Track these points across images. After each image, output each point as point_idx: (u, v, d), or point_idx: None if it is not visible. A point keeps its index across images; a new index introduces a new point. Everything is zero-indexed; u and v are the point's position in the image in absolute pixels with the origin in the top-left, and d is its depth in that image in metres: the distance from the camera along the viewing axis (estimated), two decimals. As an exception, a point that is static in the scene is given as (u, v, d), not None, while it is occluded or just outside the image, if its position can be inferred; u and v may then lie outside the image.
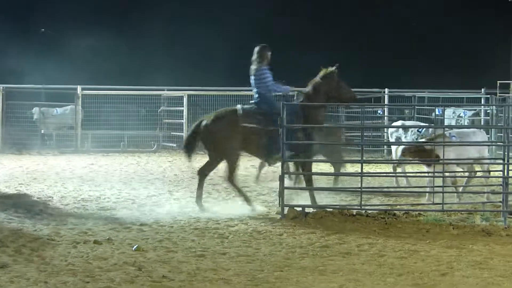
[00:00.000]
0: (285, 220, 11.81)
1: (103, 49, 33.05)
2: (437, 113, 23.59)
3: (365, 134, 23.26)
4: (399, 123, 19.25)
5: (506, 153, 12.27)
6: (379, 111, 27.36)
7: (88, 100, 27.06)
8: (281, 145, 12.41)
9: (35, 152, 24.47)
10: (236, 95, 27.97)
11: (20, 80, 28.28)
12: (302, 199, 13.29)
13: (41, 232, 10.81)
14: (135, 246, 9.86)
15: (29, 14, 35.73)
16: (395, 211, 12.22)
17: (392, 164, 16.83)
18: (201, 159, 23.95)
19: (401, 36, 38.24)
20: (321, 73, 13.81)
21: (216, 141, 13.44)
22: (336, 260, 9.39)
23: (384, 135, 25.68)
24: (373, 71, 35.66)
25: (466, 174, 15.05)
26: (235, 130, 13.20)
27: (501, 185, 12.29)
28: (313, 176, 13.53)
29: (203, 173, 13.81)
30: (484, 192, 14.20)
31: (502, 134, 16.72)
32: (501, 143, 14.10)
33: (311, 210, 12.16)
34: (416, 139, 16.35)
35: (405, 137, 17.02)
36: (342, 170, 16.12)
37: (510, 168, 12.22)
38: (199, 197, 13.36)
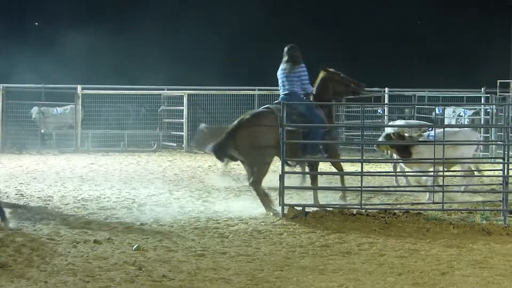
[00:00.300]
0: (285, 219, 11.81)
1: (103, 49, 33.07)
2: (437, 112, 23.61)
3: (365, 133, 23.30)
4: (402, 122, 19.26)
5: (506, 152, 12.26)
6: (379, 110, 27.37)
7: (88, 99, 27.07)
8: (281, 145, 12.41)
9: (35, 152, 24.49)
10: (236, 94, 28.01)
11: (20, 79, 28.30)
12: (302, 198, 13.31)
13: (41, 232, 10.81)
14: (135, 246, 9.86)
15: (28, 14, 35.75)
16: (395, 210, 12.22)
17: (391, 164, 16.82)
18: (200, 158, 23.99)
19: (401, 35, 38.25)
20: (321, 74, 13.90)
21: (256, 144, 12.88)
22: (336, 259, 9.39)
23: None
24: (373, 70, 35.65)
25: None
26: (275, 132, 12.70)
27: (501, 184, 12.29)
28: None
29: (257, 183, 12.98)
30: (483, 192, 14.24)
31: (502, 133, 16.72)
32: (501, 142, 14.07)
33: (311, 209, 12.16)
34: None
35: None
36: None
37: (510, 167, 12.23)
38: (268, 206, 12.71)
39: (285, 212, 11.97)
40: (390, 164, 17.06)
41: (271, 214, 12.30)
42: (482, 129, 24.70)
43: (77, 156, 23.98)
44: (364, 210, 12.11)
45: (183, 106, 27.20)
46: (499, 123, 21.90)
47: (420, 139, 14.61)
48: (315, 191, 13.19)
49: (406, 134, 14.93)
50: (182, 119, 27.14)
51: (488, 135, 24.05)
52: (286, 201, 12.22)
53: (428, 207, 12.52)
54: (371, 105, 26.78)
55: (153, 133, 27.81)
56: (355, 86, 13.98)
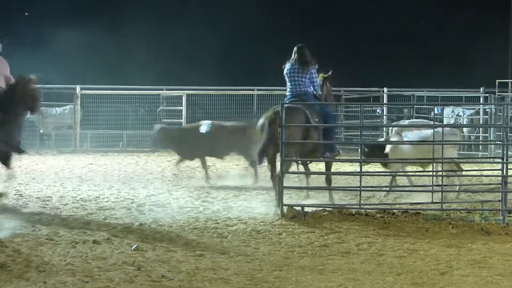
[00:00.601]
0: (284, 219, 11.81)
1: (102, 49, 33.07)
2: (436, 112, 23.62)
3: (364, 133, 23.29)
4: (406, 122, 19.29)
5: (504, 152, 12.26)
6: (378, 110, 27.38)
7: (87, 99, 27.07)
8: (281, 145, 12.42)
9: (34, 152, 24.48)
10: (235, 94, 28.02)
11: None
12: (301, 198, 13.32)
13: (40, 232, 10.80)
14: (134, 246, 9.85)
15: (23, 13, 35.72)
16: (394, 210, 12.22)
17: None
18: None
19: (400, 35, 38.26)
20: (319, 78, 13.99)
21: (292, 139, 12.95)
22: (335, 259, 9.39)
23: (383, 135, 25.69)
24: (372, 70, 35.69)
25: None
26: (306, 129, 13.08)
27: (499, 184, 12.29)
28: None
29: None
30: (482, 191, 14.25)
31: (500, 133, 16.72)
32: (500, 142, 14.08)
33: (310, 209, 12.16)
34: None
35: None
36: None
37: (509, 167, 12.23)
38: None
39: (284, 212, 11.97)
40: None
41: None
42: (481, 128, 24.74)
43: (76, 156, 23.98)
44: (363, 210, 12.12)
45: (182, 106, 27.21)
46: (498, 123, 21.91)
47: (396, 139, 14.87)
48: (330, 191, 13.39)
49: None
50: (181, 119, 27.14)
51: (487, 134, 24.07)
52: (285, 201, 12.22)
53: (427, 207, 12.52)
54: (370, 105, 26.79)
55: (152, 133, 27.78)
56: (330, 99, 14.26)
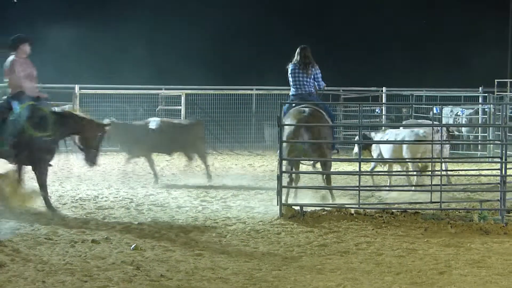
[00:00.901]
0: (283, 219, 11.81)
1: (101, 48, 33.06)
2: (435, 111, 23.62)
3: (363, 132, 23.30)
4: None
5: (503, 151, 12.26)
6: (376, 110, 27.38)
7: (86, 99, 27.05)
8: (279, 144, 12.43)
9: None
10: (234, 94, 28.01)
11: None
12: (300, 198, 13.32)
13: (38, 232, 10.80)
14: (133, 245, 9.85)
15: (21, 12, 35.70)
16: (393, 210, 12.22)
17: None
18: (199, 158, 23.91)
19: (399, 34, 38.26)
20: None
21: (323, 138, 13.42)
22: (334, 259, 9.39)
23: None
24: (371, 69, 35.69)
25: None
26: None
27: (498, 183, 12.29)
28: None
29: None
30: (480, 191, 14.26)
31: (499, 133, 16.73)
32: (499, 142, 14.09)
33: (309, 209, 12.16)
34: None
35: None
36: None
37: (508, 166, 12.24)
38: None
39: (283, 212, 11.96)
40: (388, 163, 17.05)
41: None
42: (479, 128, 24.74)
43: (75, 155, 23.91)
44: (362, 210, 12.12)
45: (181, 105, 27.21)
46: (496, 123, 21.92)
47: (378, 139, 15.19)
48: (331, 191, 13.44)
49: (372, 134, 15.40)
50: (180, 118, 27.13)
51: (485, 134, 24.07)
52: (284, 200, 12.21)
53: (426, 207, 12.52)
54: (368, 105, 26.80)
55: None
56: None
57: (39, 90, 13.77)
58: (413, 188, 14.64)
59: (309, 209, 12.14)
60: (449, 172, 15.99)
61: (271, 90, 28.02)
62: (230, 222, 11.82)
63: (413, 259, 9.40)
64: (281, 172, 12.31)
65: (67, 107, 27.11)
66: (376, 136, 15.94)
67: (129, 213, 12.71)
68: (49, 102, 13.52)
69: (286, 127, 12.93)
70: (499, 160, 12.59)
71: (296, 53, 13.92)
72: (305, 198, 13.24)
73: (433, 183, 13.25)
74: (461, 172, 15.53)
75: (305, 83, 13.79)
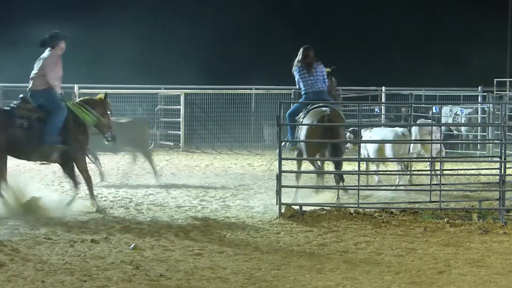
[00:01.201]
0: (282, 218, 11.81)
1: (100, 48, 33.05)
2: (434, 111, 23.62)
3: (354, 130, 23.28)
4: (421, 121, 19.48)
5: (503, 151, 12.27)
6: (376, 109, 27.38)
7: (85, 99, 27.01)
8: (279, 143, 12.44)
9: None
10: (233, 93, 28.01)
11: (17, 79, 28.24)
12: (299, 197, 13.32)
13: (38, 231, 10.80)
14: (132, 245, 9.85)
15: (17, 12, 35.67)
16: (392, 209, 12.23)
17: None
18: (198, 157, 23.96)
19: (398, 34, 38.26)
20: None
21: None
22: (333, 258, 9.39)
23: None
24: (370, 69, 35.70)
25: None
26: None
27: (498, 182, 12.29)
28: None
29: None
30: (480, 190, 14.26)
31: (499, 132, 16.74)
32: (498, 141, 14.10)
33: (308, 208, 12.16)
34: None
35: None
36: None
37: (507, 165, 12.24)
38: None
39: (282, 211, 11.97)
40: (388, 163, 17.07)
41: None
42: (479, 127, 24.74)
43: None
44: (361, 209, 12.12)
45: (180, 105, 27.22)
46: (496, 122, 21.91)
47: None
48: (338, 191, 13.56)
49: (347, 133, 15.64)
50: (179, 118, 27.16)
51: (485, 133, 24.07)
52: (284, 200, 12.22)
53: (425, 206, 12.53)
54: (368, 104, 26.79)
55: (150, 132, 27.77)
56: (336, 93, 14.88)
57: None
58: (400, 187, 14.78)
59: (308, 208, 12.14)
60: (448, 172, 16.00)
61: (270, 89, 28.03)
62: (230, 221, 11.83)
63: (412, 258, 9.40)
64: (281, 171, 12.30)
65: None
66: (364, 134, 16.09)
67: (129, 212, 12.71)
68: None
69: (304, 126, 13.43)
70: (498, 159, 12.59)
71: (299, 53, 14.15)
72: (305, 198, 13.26)
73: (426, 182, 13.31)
74: (460, 172, 15.52)
75: (312, 82, 14.05)
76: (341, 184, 13.62)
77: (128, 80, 28.86)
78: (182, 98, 27.21)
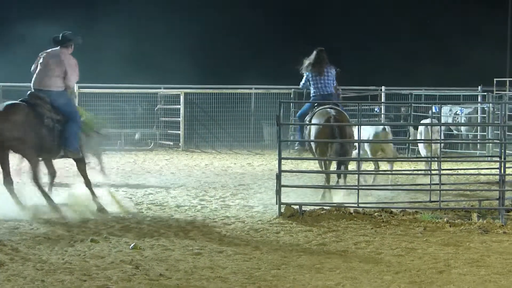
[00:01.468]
0: (282, 218, 11.81)
1: (99, 47, 33.04)
2: (434, 110, 23.63)
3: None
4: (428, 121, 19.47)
5: (502, 150, 12.26)
6: (375, 109, 27.38)
7: (85, 98, 27.05)
8: (278, 143, 12.44)
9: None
10: (233, 93, 28.02)
11: (17, 78, 28.22)
12: (298, 197, 13.32)
13: (38, 231, 10.80)
14: (132, 245, 9.85)
15: (16, 11, 35.66)
16: (392, 209, 12.23)
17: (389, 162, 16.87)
18: (197, 157, 23.96)
19: (398, 33, 38.26)
20: None
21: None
22: (333, 258, 9.39)
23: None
24: (370, 68, 35.70)
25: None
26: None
27: (497, 182, 12.30)
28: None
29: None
30: (479, 190, 14.26)
31: (498, 132, 16.74)
32: (498, 141, 14.10)
33: (308, 208, 12.16)
34: None
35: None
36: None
37: (507, 165, 12.24)
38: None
39: (282, 211, 11.97)
40: (388, 162, 17.06)
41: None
42: (479, 127, 24.75)
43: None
44: (360, 209, 12.12)
45: (179, 104, 27.23)
46: (495, 122, 21.92)
47: None
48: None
49: None
50: (179, 117, 27.17)
51: (485, 133, 24.07)
52: (283, 199, 12.22)
53: (425, 206, 12.53)
54: (367, 104, 26.79)
55: (150, 132, 27.81)
56: (339, 92, 15.03)
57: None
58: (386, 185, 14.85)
59: (308, 208, 12.14)
60: (448, 171, 16.01)
61: (270, 89, 28.03)
62: (229, 221, 11.82)
63: (412, 258, 9.40)
64: (280, 171, 12.30)
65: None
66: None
67: (128, 212, 12.69)
68: None
69: (314, 126, 13.82)
70: (498, 159, 12.58)
71: (312, 55, 14.47)
72: (304, 197, 13.26)
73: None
74: (460, 171, 15.52)
75: (322, 85, 14.37)
76: (342, 182, 13.81)
77: (128, 79, 28.87)
78: (181, 97, 27.22)
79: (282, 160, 12.39)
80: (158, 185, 16.30)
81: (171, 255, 9.42)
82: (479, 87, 26.15)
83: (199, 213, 12.66)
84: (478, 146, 24.66)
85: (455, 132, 25.86)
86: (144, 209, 13.02)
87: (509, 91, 27.18)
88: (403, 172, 17.44)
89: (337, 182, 13.86)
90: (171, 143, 27.34)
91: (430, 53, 38.26)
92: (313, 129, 13.88)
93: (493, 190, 13.29)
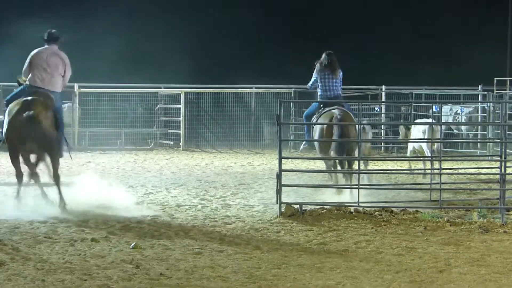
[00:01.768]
0: (283, 217, 11.81)
1: (100, 47, 33.05)
2: (434, 110, 23.62)
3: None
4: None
5: (503, 149, 12.26)
6: (376, 108, 27.38)
7: (85, 97, 27.06)
8: (279, 142, 12.44)
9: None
10: (233, 93, 28.01)
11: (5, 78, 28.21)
12: (299, 196, 13.32)
13: (38, 230, 10.80)
14: (132, 244, 9.85)
15: (16, 10, 35.63)
16: (392, 208, 12.22)
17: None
18: (198, 156, 23.96)
19: (398, 33, 38.24)
20: None
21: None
22: (333, 257, 9.39)
23: (381, 132, 25.70)
24: (370, 68, 35.68)
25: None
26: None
27: (498, 182, 12.29)
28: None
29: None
30: (480, 189, 14.27)
31: (499, 131, 16.74)
32: (498, 140, 14.10)
33: (308, 207, 12.16)
34: None
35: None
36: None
37: (507, 164, 12.24)
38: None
39: (282, 210, 11.97)
40: (388, 161, 17.07)
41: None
42: (479, 126, 24.74)
43: (74, 154, 23.89)
44: (361, 208, 12.12)
45: (180, 104, 27.23)
46: (496, 121, 21.91)
47: None
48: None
49: None
50: (179, 117, 27.17)
51: (485, 132, 24.07)
52: (284, 199, 12.22)
53: (426, 205, 12.53)
54: (368, 103, 26.78)
55: (150, 131, 27.81)
56: None
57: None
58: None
59: (308, 207, 12.14)
60: (448, 171, 16.00)
61: (270, 88, 28.03)
62: (230, 220, 11.83)
63: (412, 257, 9.40)
64: (281, 170, 12.30)
65: (66, 106, 27.20)
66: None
67: (129, 211, 12.68)
68: None
69: (318, 126, 14.25)
70: (498, 158, 12.58)
71: (323, 58, 14.89)
72: (304, 197, 13.26)
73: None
74: (460, 171, 15.52)
75: (333, 87, 14.92)
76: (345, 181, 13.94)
77: (128, 79, 28.88)
78: (182, 97, 27.23)
79: (283, 159, 12.40)
80: (159, 185, 16.30)
81: (172, 254, 9.42)
82: (480, 87, 26.13)
83: (200, 212, 12.66)
84: (479, 145, 24.65)
85: (455, 131, 25.86)
86: (145, 208, 13.02)
87: (510, 90, 27.16)
88: (404, 171, 17.42)
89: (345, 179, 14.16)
90: (172, 142, 27.34)
91: (430, 53, 38.24)
92: (317, 130, 14.35)
93: (494, 189, 13.29)
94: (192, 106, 27.97)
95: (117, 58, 32.90)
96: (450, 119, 25.22)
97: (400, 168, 18.26)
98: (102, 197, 13.98)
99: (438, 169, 13.57)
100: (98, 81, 28.32)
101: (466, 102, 26.38)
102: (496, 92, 26.20)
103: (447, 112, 25.53)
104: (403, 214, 11.95)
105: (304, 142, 16.01)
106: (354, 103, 24.10)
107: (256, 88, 28.27)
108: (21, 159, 12.96)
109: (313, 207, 12.18)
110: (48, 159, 12.74)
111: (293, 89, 27.12)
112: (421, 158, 18.11)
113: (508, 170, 12.33)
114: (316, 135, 14.49)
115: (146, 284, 8.07)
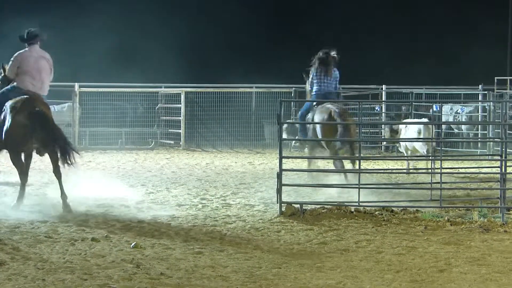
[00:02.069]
0: (283, 217, 11.81)
1: (100, 46, 33.03)
2: (434, 109, 23.62)
3: (362, 130, 23.28)
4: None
5: (503, 149, 12.26)
6: (376, 108, 27.38)
7: (86, 97, 27.06)
8: (279, 142, 12.44)
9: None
10: (233, 92, 28.01)
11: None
12: (299, 196, 13.32)
13: (38, 230, 10.80)
14: (133, 244, 9.85)
15: (15, 10, 35.61)
16: (392, 208, 12.22)
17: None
18: (198, 156, 23.97)
19: (398, 32, 38.24)
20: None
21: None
22: (334, 256, 9.39)
23: (381, 132, 25.68)
24: (370, 67, 35.67)
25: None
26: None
27: (498, 181, 12.29)
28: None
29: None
30: (480, 189, 14.26)
31: (499, 130, 16.73)
32: (499, 139, 14.09)
33: (309, 207, 12.16)
34: None
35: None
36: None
37: (507, 164, 12.24)
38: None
39: (283, 210, 11.97)
40: (388, 161, 17.07)
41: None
42: (479, 126, 24.74)
43: (74, 154, 23.90)
44: (361, 208, 12.12)
45: (180, 103, 27.23)
46: (496, 120, 21.90)
47: None
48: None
49: None
50: (180, 116, 27.17)
51: (485, 132, 24.07)
52: (284, 198, 12.22)
53: (426, 204, 12.52)
54: (368, 102, 26.78)
55: (151, 130, 27.81)
56: None
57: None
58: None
59: (309, 207, 12.14)
60: (449, 170, 16.00)
61: (271, 88, 28.02)
62: (230, 220, 11.83)
63: (413, 257, 9.40)
64: (281, 170, 12.30)
65: (66, 106, 27.23)
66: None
67: (129, 211, 12.70)
68: None
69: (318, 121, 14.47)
70: (499, 157, 12.58)
71: (319, 55, 15.13)
72: (305, 196, 13.26)
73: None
74: (461, 170, 15.52)
75: (327, 84, 15.07)
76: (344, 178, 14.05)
77: (128, 78, 28.87)
78: (182, 96, 27.23)
79: (283, 159, 12.39)
80: (159, 184, 16.30)
81: (172, 254, 9.42)
82: (480, 86, 26.12)
83: (200, 212, 12.66)
84: (479, 145, 24.64)
85: (456, 130, 25.85)
86: (145, 208, 13.02)
87: (510, 89, 27.16)
88: (404, 171, 17.41)
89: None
90: (172, 142, 27.34)
91: (430, 52, 38.23)
92: (318, 126, 14.55)
93: (494, 188, 13.29)
94: (193, 105, 27.98)
95: (118, 58, 32.91)
96: (451, 119, 25.22)
97: (401, 167, 18.25)
98: (102, 196, 13.99)
99: (439, 168, 13.58)
100: (98, 80, 28.32)
101: (466, 102, 26.37)
102: (497, 92, 26.19)
103: (448, 111, 25.53)
104: (404, 214, 11.95)
105: (294, 142, 16.21)
106: (355, 102, 24.16)
107: (256, 87, 28.26)
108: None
109: (313, 206, 12.19)
110: (55, 154, 12.80)
111: (293, 88, 27.11)
112: (422, 158, 18.10)
113: (509, 170, 12.33)
114: (317, 131, 14.74)
115: (147, 283, 8.08)
